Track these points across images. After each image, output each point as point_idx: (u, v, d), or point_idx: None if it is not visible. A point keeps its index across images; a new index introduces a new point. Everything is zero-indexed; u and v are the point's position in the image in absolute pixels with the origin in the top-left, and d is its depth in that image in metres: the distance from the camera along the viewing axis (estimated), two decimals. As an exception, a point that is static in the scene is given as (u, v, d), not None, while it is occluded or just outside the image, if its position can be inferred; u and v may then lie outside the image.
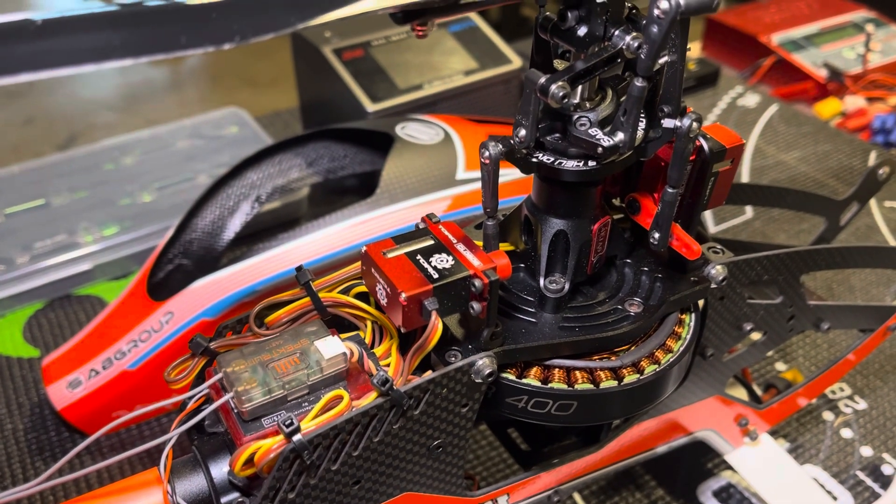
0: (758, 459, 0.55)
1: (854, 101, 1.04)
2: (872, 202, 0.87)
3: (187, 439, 0.39)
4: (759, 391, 0.59)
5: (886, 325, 0.54)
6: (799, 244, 0.80)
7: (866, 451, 0.62)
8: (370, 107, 0.81)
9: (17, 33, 0.25)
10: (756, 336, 0.49)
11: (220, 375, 0.36)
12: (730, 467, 0.57)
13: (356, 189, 0.76)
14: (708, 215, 0.85)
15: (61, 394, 0.61)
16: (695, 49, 1.19)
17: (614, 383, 0.40)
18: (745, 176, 0.93)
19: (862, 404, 0.65)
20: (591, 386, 0.39)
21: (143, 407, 0.61)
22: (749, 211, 0.87)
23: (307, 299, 0.40)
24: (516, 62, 0.88)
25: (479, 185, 0.38)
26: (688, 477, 0.59)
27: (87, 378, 0.60)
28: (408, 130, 0.70)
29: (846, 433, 0.63)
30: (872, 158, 0.96)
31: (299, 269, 0.40)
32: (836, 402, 0.66)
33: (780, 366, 0.68)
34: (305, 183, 0.72)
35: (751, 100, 1.06)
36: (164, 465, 0.36)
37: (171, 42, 0.25)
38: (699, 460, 0.60)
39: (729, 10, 1.19)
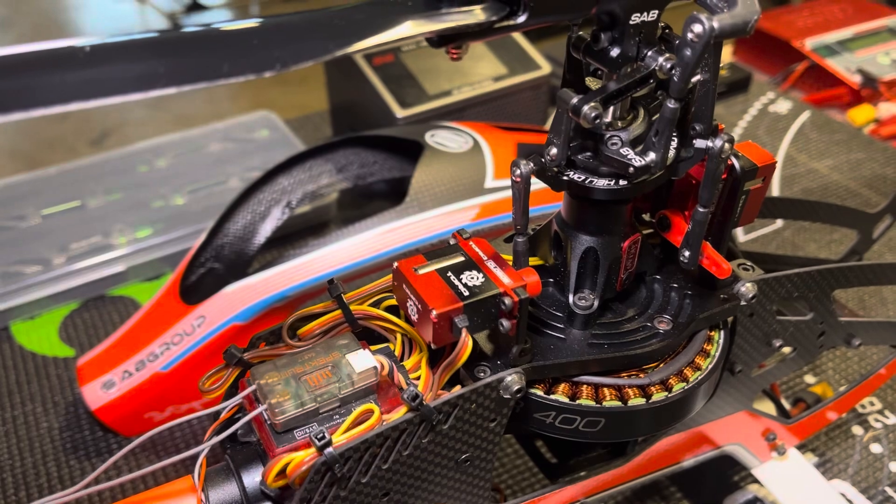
0: (785, 474, 0.55)
1: (888, 108, 1.02)
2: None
3: (220, 447, 0.39)
4: (787, 405, 0.59)
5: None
6: (830, 255, 0.80)
7: (896, 467, 0.61)
8: (399, 112, 0.81)
9: (67, 61, 0.25)
10: (786, 351, 0.49)
11: (253, 387, 0.37)
12: (756, 480, 0.57)
13: (385, 194, 0.77)
14: (737, 225, 0.85)
15: (95, 394, 0.62)
16: (726, 54, 1.18)
17: (642, 401, 0.40)
18: (775, 184, 0.92)
19: (892, 419, 0.65)
20: (619, 403, 0.40)
21: (174, 408, 0.63)
22: (779, 220, 0.86)
23: (339, 311, 0.41)
24: (546, 68, 0.88)
25: (507, 193, 0.38)
26: (714, 490, 0.59)
27: (121, 379, 0.62)
28: (437, 138, 0.70)
29: (876, 448, 0.62)
30: (906, 167, 0.94)
31: (331, 282, 0.40)
32: (866, 417, 0.65)
33: (809, 379, 0.68)
34: (335, 188, 0.73)
35: (782, 106, 1.05)
36: (198, 473, 0.37)
37: (214, 70, 0.26)
38: (726, 473, 0.60)
39: (761, 15, 1.18)
